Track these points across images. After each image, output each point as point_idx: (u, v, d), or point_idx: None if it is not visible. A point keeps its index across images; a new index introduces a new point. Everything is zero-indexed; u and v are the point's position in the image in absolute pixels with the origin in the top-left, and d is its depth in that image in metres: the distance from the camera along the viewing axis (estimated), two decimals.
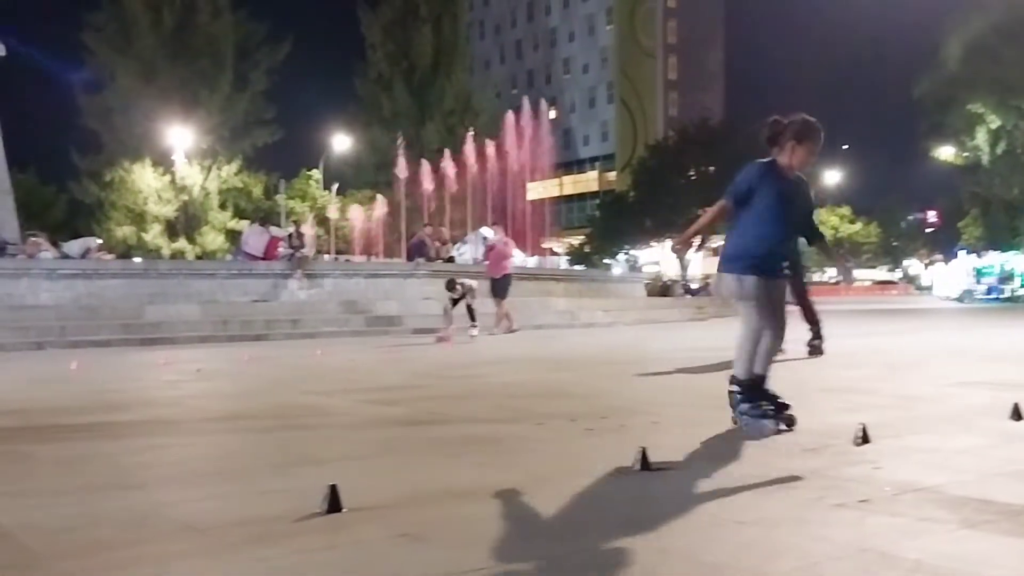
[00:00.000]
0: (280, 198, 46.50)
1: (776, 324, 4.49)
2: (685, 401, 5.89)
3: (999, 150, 30.90)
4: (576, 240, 66.27)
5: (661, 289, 35.31)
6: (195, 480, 3.53)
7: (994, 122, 30.40)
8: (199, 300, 15.69)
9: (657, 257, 64.37)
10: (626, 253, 64.95)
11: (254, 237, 20.28)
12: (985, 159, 31.58)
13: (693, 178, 58.08)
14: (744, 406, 4.42)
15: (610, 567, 2.32)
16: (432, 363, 9.44)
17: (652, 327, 17.79)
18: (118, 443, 4.45)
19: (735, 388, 4.47)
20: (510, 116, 40.02)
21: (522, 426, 4.78)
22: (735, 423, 4.47)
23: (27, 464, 3.95)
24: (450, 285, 13.42)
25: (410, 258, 20.04)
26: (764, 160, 4.49)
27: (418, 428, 4.82)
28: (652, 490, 3.19)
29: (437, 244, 20.33)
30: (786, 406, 4.46)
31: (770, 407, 4.41)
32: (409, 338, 14.47)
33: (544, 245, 63.63)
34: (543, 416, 5.11)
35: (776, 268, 4.53)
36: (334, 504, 2.87)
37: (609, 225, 60.70)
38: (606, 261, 62.26)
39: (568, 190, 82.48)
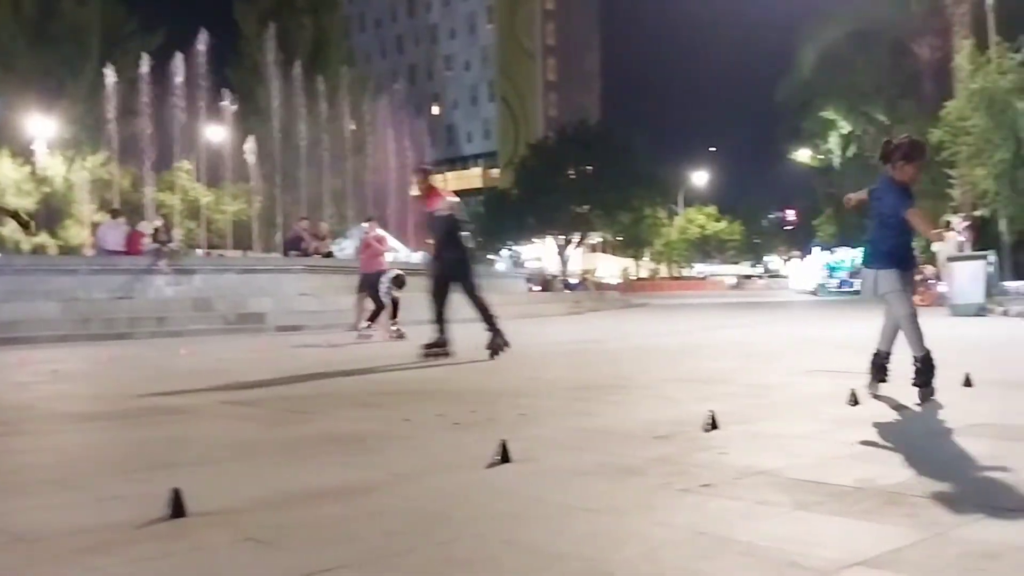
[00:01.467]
0: (149, 190, 44.56)
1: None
2: (555, 393, 5.99)
3: (849, 153, 32.76)
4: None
5: (542, 284, 35.78)
6: (33, 488, 3.35)
7: (845, 127, 32.18)
8: (59, 297, 14.90)
9: (539, 253, 65.22)
10: (509, 249, 65.53)
11: (111, 231, 19.40)
12: (837, 161, 33.40)
13: (572, 177, 59.14)
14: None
15: (455, 561, 2.33)
16: (302, 362, 9.27)
17: (531, 321, 17.98)
18: None
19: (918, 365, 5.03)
20: (392, 110, 39.66)
21: (388, 424, 4.75)
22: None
23: None
24: (399, 281, 13.05)
25: (286, 252, 19.60)
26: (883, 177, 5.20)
27: (278, 428, 4.72)
28: (509, 482, 3.23)
29: (315, 239, 19.93)
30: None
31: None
32: (279, 336, 14.16)
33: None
34: (411, 412, 5.09)
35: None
36: (178, 509, 2.77)
37: (493, 222, 61.11)
38: (490, 257, 62.64)
39: (452, 186, 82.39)
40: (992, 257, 17.28)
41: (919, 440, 3.91)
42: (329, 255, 20.44)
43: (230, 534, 2.61)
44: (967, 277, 15.61)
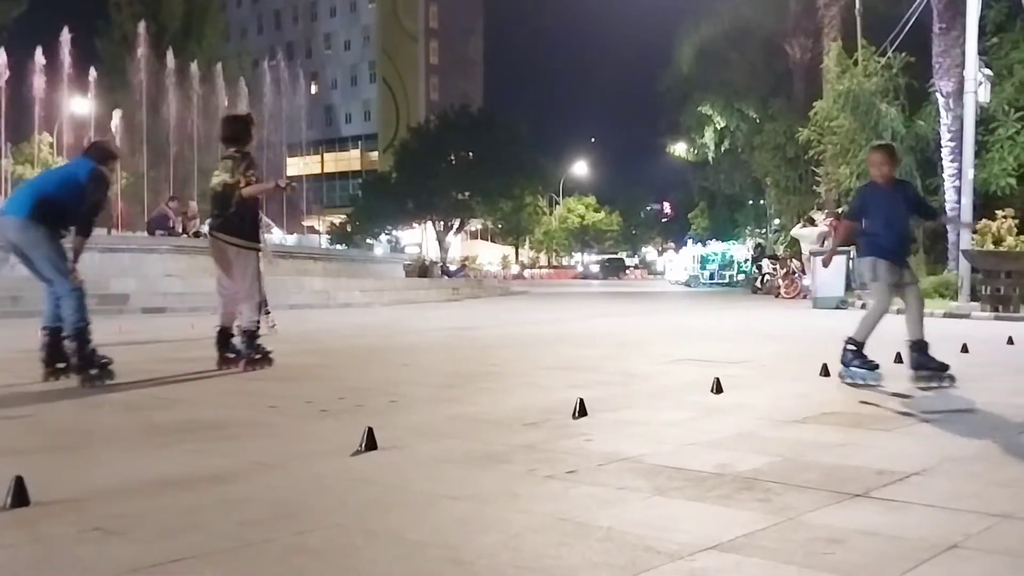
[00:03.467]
0: (6, 163, 41.83)
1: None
2: (426, 380, 5.94)
3: (723, 148, 33.85)
4: (338, 219, 65.20)
5: (420, 270, 35.55)
6: None
7: (720, 122, 33.22)
8: None
9: (418, 239, 64.79)
10: (388, 234, 64.83)
11: None
12: (711, 156, 34.49)
13: (453, 162, 58.96)
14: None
15: (311, 551, 2.27)
16: (165, 345, 8.89)
17: (409, 307, 17.85)
18: None
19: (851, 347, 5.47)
20: (265, 86, 38.49)
21: (253, 411, 4.61)
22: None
23: None
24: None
25: (151, 232, 18.74)
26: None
27: (134, 415, 4.50)
28: (374, 471, 3.18)
29: (182, 218, 19.13)
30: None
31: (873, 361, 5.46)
32: (143, 319, 13.56)
33: (304, 223, 62.05)
34: (277, 399, 4.95)
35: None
36: (20, 498, 2.62)
37: (371, 205, 60.32)
38: (368, 241, 61.79)
39: (330, 168, 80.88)
40: (854, 252, 18.21)
41: (776, 427, 4.06)
42: (198, 235, 19.68)
43: (76, 523, 2.47)
44: (829, 272, 16.37)
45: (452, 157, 59.10)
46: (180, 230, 18.72)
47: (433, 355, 7.79)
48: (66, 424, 4.25)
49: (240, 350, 6.45)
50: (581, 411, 4.18)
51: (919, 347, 5.43)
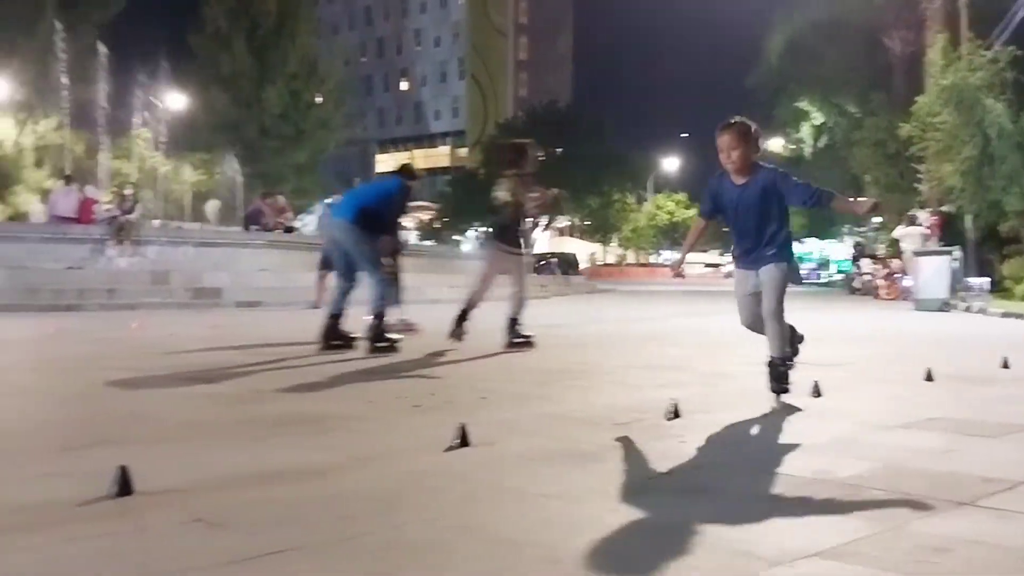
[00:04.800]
0: (104, 157, 43.55)
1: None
2: (517, 377, 5.95)
3: (821, 144, 32.90)
4: (426, 215, 65.97)
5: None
6: None
7: (818, 118, 32.33)
8: (6, 265, 14.49)
9: None
10: (476, 230, 65.34)
11: (63, 198, 18.95)
12: (808, 152, 33.56)
13: (541, 158, 58.92)
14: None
15: (407, 546, 2.28)
16: (260, 338, 9.13)
17: (496, 304, 17.92)
18: None
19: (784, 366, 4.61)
20: (359, 83, 39.16)
21: (348, 404, 4.68)
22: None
23: None
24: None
25: (247, 227, 19.32)
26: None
27: (234, 408, 4.62)
28: (466, 467, 3.18)
29: (276, 213, 19.67)
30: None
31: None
32: (237, 312, 13.97)
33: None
34: (372, 394, 5.03)
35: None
36: (124, 487, 2.69)
37: (460, 201, 60.78)
38: (456, 238, 62.31)
39: (419, 164, 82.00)
40: (957, 253, 17.54)
41: (878, 433, 3.92)
42: (290, 230, 20.21)
43: (178, 514, 2.54)
44: (932, 272, 15.82)
45: (540, 153, 59.07)
46: (273, 225, 19.25)
47: (521, 352, 7.79)
48: (164, 415, 4.40)
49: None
50: (675, 412, 4.11)
51: (774, 364, 4.62)
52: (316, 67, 46.47)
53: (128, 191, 19.33)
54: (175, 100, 42.97)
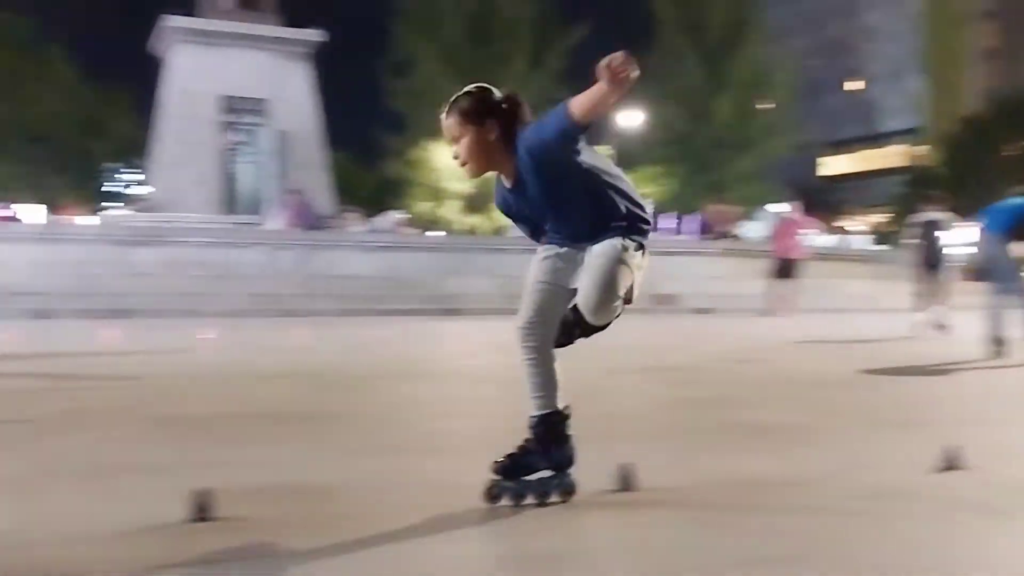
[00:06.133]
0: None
1: None
2: (1006, 397, 5.37)
3: None
4: (877, 218, 61.73)
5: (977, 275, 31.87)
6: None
7: None
8: (491, 274, 16.15)
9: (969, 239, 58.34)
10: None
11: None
12: None
13: (1009, 155, 51.73)
14: None
15: (901, 561, 2.22)
16: (720, 346, 9.30)
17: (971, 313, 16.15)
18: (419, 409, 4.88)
19: None
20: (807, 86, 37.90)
21: (809, 416, 4.62)
22: None
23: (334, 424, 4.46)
24: None
25: (702, 235, 19.85)
26: None
27: (715, 412, 4.76)
28: (962, 492, 2.97)
29: (724, 222, 19.97)
30: None
31: None
32: (696, 318, 14.21)
33: (836, 224, 59.89)
34: (838, 404, 4.90)
35: None
36: (626, 483, 2.94)
37: (917, 203, 55.76)
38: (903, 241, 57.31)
39: (869, 165, 77.22)
40: None
41: None
42: (735, 238, 20.32)
43: (679, 511, 2.74)
44: None
45: (1007, 150, 51.97)
46: (721, 233, 19.54)
47: (1016, 369, 6.97)
48: (646, 414, 4.70)
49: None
50: None
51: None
52: (766, 74, 46.01)
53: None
54: (630, 118, 45.43)
